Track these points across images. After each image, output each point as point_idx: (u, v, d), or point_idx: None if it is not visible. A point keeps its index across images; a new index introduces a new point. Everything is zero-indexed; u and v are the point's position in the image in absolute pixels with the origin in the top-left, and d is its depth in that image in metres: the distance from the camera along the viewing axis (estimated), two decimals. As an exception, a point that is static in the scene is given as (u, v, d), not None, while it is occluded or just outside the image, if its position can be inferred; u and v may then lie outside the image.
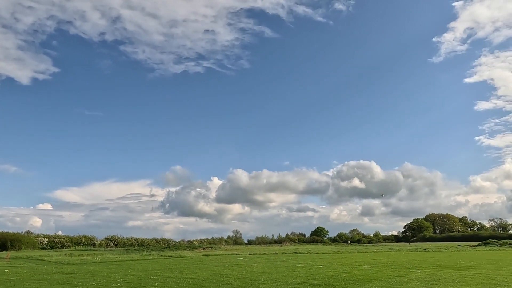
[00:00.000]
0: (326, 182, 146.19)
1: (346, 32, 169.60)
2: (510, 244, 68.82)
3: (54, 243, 62.68)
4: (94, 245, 66.38)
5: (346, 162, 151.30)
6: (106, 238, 70.59)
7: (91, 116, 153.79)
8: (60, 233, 69.72)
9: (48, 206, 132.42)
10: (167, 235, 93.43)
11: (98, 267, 22.96)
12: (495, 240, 75.30)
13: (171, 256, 35.89)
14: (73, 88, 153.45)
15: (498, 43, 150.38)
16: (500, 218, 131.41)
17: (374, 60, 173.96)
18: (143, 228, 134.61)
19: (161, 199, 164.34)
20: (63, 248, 60.69)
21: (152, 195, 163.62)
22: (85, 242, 66.47)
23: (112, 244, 68.99)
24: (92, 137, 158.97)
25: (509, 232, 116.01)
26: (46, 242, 61.80)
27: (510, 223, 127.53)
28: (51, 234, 66.60)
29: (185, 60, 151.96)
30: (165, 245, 69.86)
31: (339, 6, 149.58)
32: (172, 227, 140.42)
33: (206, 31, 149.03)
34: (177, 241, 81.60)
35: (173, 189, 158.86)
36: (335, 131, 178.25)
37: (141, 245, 70.62)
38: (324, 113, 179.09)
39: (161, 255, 36.43)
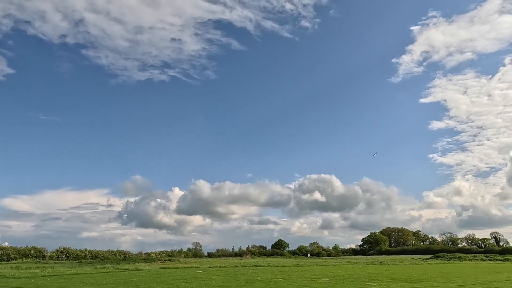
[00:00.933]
0: (288, 195, 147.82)
1: (311, 48, 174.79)
2: (459, 257, 72.47)
3: (-1, 255, 58.55)
4: (43, 257, 62.58)
5: (307, 176, 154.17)
6: (57, 250, 66.74)
7: (47, 121, 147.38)
8: (6, 244, 65.29)
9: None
10: (124, 247, 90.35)
11: (47, 281, 21.68)
12: (446, 254, 78.95)
13: (127, 269, 34.60)
14: (28, 91, 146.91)
15: (451, 67, 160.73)
16: (450, 233, 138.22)
17: (336, 77, 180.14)
18: (99, 239, 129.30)
19: (119, 209, 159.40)
20: (9, 260, 56.73)
21: (110, 205, 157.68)
22: (34, 254, 62.52)
23: (63, 256, 65.36)
24: (47, 142, 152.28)
25: (458, 246, 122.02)
26: (-11, 254, 57.61)
27: (459, 237, 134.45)
28: (-5, 245, 62.22)
29: (150, 67, 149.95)
30: (121, 257, 67.19)
31: (305, 23, 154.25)
32: (129, 238, 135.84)
33: (173, 39, 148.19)
34: (134, 254, 78.67)
35: (132, 199, 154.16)
36: (298, 144, 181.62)
37: (95, 257, 67.47)
38: (287, 127, 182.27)
39: (117, 268, 35.02)
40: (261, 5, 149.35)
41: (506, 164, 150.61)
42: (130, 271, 32.13)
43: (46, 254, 64.03)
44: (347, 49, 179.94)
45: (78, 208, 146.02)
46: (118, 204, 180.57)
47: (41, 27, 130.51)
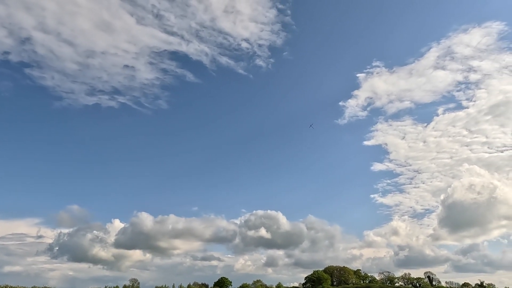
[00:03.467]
0: (234, 231, 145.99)
1: (264, 87, 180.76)
2: (396, 296, 74.66)
3: None
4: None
5: (254, 211, 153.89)
6: (-28, 286, 59.44)
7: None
8: None
9: None
10: (52, 283, 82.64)
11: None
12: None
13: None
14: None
15: (392, 113, 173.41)
16: (388, 272, 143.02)
17: (286, 116, 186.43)
18: (23, 274, 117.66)
19: (50, 241, 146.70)
20: None
21: (39, 236, 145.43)
22: None
23: (-21, 293, 58.19)
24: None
25: (395, 285, 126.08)
26: None
27: (396, 276, 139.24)
28: None
29: (99, 92, 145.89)
30: (48, 295, 61.10)
31: (259, 62, 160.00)
32: (59, 274, 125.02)
33: (126, 66, 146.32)
34: (63, 291, 72.06)
35: (65, 231, 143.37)
36: (246, 180, 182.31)
37: (17, 295, 60.79)
38: (236, 161, 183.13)
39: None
40: (218, 41, 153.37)
41: (438, 206, 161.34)
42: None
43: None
44: (297, 90, 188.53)
45: (3, 239, 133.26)
46: (50, 235, 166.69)
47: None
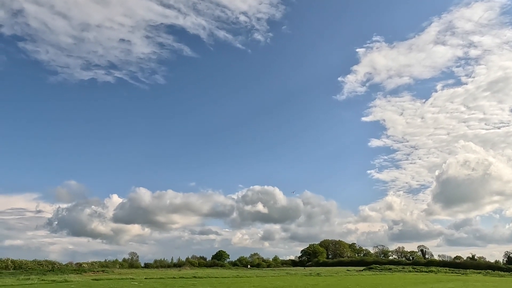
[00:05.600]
0: (231, 205, 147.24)
1: (263, 61, 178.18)
2: (389, 269, 76.71)
3: None
4: (-44, 267, 56.37)
5: (251, 187, 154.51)
6: (-27, 260, 60.53)
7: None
8: None
9: None
10: (53, 257, 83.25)
11: (-41, 294, 19.51)
12: (378, 266, 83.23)
13: (55, 280, 32.21)
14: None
15: (390, 89, 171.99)
16: (382, 245, 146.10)
17: (284, 91, 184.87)
18: (23, 248, 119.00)
19: (49, 216, 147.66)
20: None
21: (39, 211, 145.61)
22: None
23: (-19, 266, 59.33)
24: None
25: (389, 258, 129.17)
26: None
27: (390, 249, 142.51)
28: None
29: (95, 67, 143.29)
30: (49, 268, 62.41)
31: (258, 36, 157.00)
32: (59, 247, 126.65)
33: (122, 40, 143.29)
34: (63, 264, 73.44)
35: (64, 206, 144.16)
36: (243, 155, 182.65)
37: (18, 267, 62.02)
38: (233, 137, 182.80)
39: (43, 280, 32.46)
40: (216, 14, 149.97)
41: (433, 182, 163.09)
42: (57, 283, 29.95)
43: (-41, 264, 57.77)
44: (296, 65, 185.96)
45: (2, 213, 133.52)
46: (49, 210, 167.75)
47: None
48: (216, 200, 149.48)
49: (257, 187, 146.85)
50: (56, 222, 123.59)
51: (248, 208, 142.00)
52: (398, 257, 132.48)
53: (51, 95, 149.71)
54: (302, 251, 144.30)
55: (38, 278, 33.97)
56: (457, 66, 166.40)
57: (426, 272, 72.09)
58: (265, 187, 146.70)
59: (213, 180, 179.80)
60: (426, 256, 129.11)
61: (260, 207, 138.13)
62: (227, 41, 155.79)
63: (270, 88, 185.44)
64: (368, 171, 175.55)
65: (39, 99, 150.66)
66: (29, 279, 33.29)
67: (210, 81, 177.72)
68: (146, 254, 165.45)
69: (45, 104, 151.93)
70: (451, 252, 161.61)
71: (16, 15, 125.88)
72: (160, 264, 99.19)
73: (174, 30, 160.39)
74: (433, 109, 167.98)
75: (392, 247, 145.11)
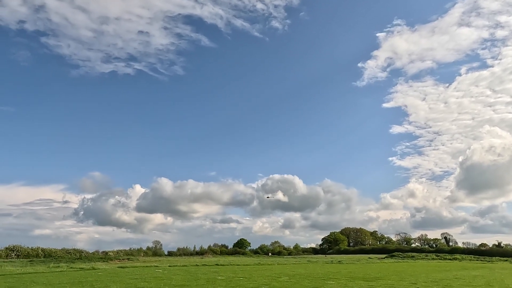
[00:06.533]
0: (251, 194, 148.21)
1: (281, 49, 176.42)
2: (412, 256, 75.88)
3: None
4: (-9, 255, 59.10)
5: (271, 176, 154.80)
6: (6, 248, 63.28)
7: (0, 111, 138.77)
8: (-50, 241, 61.02)
9: None
10: (80, 245, 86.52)
11: (-6, 281, 20.46)
12: (400, 253, 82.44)
13: (83, 268, 33.33)
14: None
15: (412, 74, 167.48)
16: (404, 233, 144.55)
17: (303, 79, 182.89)
18: (52, 237, 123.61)
19: (75, 206, 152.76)
20: (-49, 259, 53.06)
21: (65, 202, 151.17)
22: (-19, 253, 58.93)
23: (13, 255, 62.02)
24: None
25: (411, 245, 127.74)
26: None
27: (412, 237, 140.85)
28: None
29: (115, 59, 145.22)
30: (77, 256, 64.62)
31: (275, 23, 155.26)
32: (85, 236, 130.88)
33: (140, 32, 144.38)
34: (90, 252, 76.01)
35: (89, 196, 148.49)
36: (262, 144, 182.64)
37: (48, 256, 64.50)
38: (252, 126, 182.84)
39: (71, 267, 33.64)
40: (232, 3, 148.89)
41: (457, 168, 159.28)
42: (85, 270, 30.97)
43: (-6, 252, 60.51)
44: (315, 52, 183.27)
45: (31, 204, 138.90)
46: (75, 200, 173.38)
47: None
48: (236, 189, 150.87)
49: (276, 176, 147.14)
50: (82, 212, 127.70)
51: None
52: (421, 245, 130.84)
53: (74, 88, 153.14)
54: (323, 239, 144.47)
55: (67, 266, 35.24)
56: (483, 48, 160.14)
57: (450, 259, 70.97)
58: (285, 175, 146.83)
59: (233, 169, 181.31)
60: (450, 244, 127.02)
61: (280, 195, 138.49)
62: (244, 30, 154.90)
63: (288, 76, 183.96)
64: (390, 158, 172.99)
65: (63, 93, 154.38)
66: (58, 266, 34.59)
67: (228, 71, 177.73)
68: (169, 242, 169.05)
69: (68, 97, 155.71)
70: (476, 240, 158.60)
71: (38, 11, 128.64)
72: (183, 252, 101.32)
73: (192, 20, 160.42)
74: (457, 93, 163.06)
75: (415, 234, 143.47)
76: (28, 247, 66.23)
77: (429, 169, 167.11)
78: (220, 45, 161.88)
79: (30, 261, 50.12)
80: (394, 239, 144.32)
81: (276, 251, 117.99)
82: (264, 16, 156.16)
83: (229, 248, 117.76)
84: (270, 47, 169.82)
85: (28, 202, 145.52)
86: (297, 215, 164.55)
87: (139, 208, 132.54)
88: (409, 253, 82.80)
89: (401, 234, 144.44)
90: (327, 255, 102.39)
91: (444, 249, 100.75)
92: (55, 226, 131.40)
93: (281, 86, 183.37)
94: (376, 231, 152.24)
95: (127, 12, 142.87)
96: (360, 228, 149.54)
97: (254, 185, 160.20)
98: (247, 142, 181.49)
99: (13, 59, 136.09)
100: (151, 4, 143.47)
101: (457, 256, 76.57)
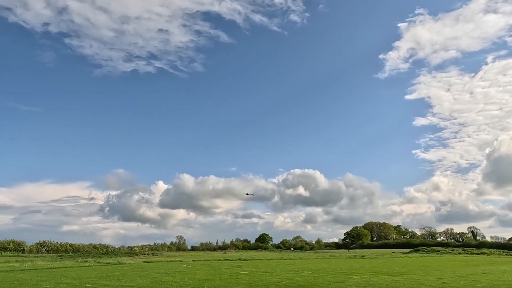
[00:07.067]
0: (272, 189, 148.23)
1: (299, 43, 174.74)
2: (437, 251, 74.31)
3: (-24, 248, 57.15)
4: (23, 251, 61.37)
5: (291, 170, 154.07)
6: (37, 244, 65.56)
7: (28, 111, 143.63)
8: (-16, 237, 63.66)
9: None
10: (106, 241, 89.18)
11: (27, 275, 21.26)
12: (425, 247, 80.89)
13: (109, 263, 34.23)
14: (9, 80, 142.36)
15: (436, 64, 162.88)
16: (429, 227, 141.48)
17: (323, 72, 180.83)
18: (80, 233, 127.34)
19: (101, 202, 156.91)
20: (-14, 254, 55.47)
21: (91, 198, 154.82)
22: (13, 248, 61.29)
23: (44, 250, 64.24)
24: (27, 134, 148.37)
25: (437, 240, 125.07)
26: (-33, 248, 56.16)
27: (438, 231, 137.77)
28: (-27, 239, 60.72)
29: (136, 58, 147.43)
30: (103, 251, 66.45)
31: (294, 17, 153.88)
32: (111, 232, 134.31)
33: (160, 30, 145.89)
34: (116, 247, 77.96)
35: (114, 193, 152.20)
36: (282, 139, 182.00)
37: (76, 251, 66.55)
38: (272, 121, 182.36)
39: (98, 262, 34.60)
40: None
41: (484, 160, 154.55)
42: (112, 265, 31.80)
43: (25, 248, 62.86)
44: (335, 44, 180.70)
45: (59, 201, 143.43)
46: (100, 197, 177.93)
47: (23, 14, 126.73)
48: (257, 184, 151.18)
49: (297, 171, 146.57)
50: (107, 209, 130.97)
51: (289, 191, 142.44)
52: (447, 239, 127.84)
53: (97, 87, 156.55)
54: (345, 233, 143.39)
55: (95, 261, 36.29)
56: (511, 35, 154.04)
57: (477, 254, 69.12)
58: (306, 170, 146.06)
59: (253, 164, 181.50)
60: (477, 238, 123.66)
61: (301, 190, 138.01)
62: (263, 25, 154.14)
63: (308, 69, 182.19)
64: (413, 151, 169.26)
65: (87, 92, 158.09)
66: (86, 261, 35.66)
67: (247, 66, 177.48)
68: (192, 237, 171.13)
69: (92, 96, 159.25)
70: (506, 234, 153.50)
71: (61, 13, 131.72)
72: (206, 247, 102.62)
73: (210, 17, 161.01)
74: (483, 83, 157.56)
75: (440, 228, 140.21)
76: (57, 243, 68.43)
77: (455, 162, 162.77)
78: (238, 40, 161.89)
79: (59, 256, 51.89)
80: (418, 233, 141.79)
81: (298, 245, 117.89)
82: (282, 10, 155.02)
83: (251, 243, 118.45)
84: (289, 41, 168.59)
85: (56, 199, 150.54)
86: (318, 209, 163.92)
87: (162, 204, 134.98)
88: (435, 248, 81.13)
89: (425, 228, 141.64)
90: (350, 250, 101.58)
91: (471, 244, 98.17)
92: (82, 222, 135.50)
93: (300, 80, 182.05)
94: (400, 226, 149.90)
95: (147, 11, 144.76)
96: (384, 222, 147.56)
97: (275, 180, 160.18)
98: (267, 137, 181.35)
99: (39, 60, 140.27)
100: (170, 2, 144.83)
101: (485, 250, 74.49)
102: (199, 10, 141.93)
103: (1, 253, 56.24)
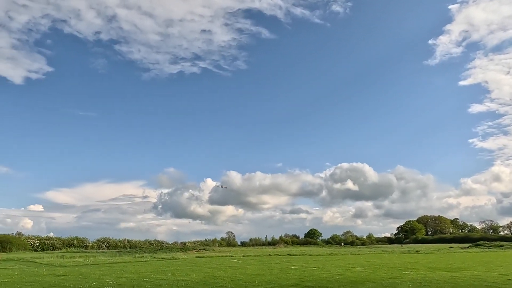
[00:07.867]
0: (319, 184, 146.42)
1: (343, 34, 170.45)
2: (501, 246, 69.50)
3: (45, 245, 62.01)
4: (86, 247, 65.79)
5: (339, 165, 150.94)
6: (98, 240, 70.03)
7: (85, 116, 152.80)
8: (51, 234, 69.03)
9: (39, 207, 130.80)
10: (160, 237, 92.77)
11: (90, 269, 22.78)
12: (486, 242, 76.00)
13: (164, 258, 35.72)
14: (66, 88, 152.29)
15: (493, 46, 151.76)
16: (491, 220, 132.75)
17: (369, 62, 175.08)
18: (136, 229, 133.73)
19: (154, 200, 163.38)
20: (54, 250, 60.05)
21: (145, 197, 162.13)
22: (77, 244, 65.88)
23: (104, 246, 68.44)
24: (85, 137, 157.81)
25: (499, 234, 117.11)
26: (37, 244, 61.13)
27: (500, 225, 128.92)
28: (42, 236, 65.99)
29: (181, 60, 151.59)
30: (158, 247, 69.49)
31: (336, 8, 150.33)
32: (165, 228, 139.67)
33: (203, 31, 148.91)
34: (170, 243, 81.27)
35: (166, 191, 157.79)
36: (329, 133, 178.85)
37: (133, 247, 70.17)
38: (318, 115, 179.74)
39: (154, 257, 36.24)
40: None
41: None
42: (167, 260, 33.17)
43: (88, 244, 67.29)
44: (380, 33, 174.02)
45: (116, 200, 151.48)
46: (153, 195, 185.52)
47: (76, 25, 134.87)
48: (304, 179, 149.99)
49: (345, 165, 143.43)
50: (160, 206, 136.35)
51: (337, 186, 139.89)
52: (511, 233, 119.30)
53: (146, 90, 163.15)
54: (398, 228, 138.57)
55: (151, 256, 38.07)
56: None
57: (547, 249, 63.85)
58: (354, 164, 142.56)
59: (299, 160, 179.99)
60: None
61: (350, 184, 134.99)
62: (304, 18, 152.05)
63: (353, 61, 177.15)
64: (470, 140, 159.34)
65: (137, 95, 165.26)
66: (143, 256, 37.50)
67: (290, 61, 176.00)
68: (241, 233, 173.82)
69: (142, 99, 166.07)
70: None
71: (111, 21, 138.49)
72: (255, 242, 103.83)
73: (251, 14, 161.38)
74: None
75: (503, 222, 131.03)
76: (116, 239, 72.57)
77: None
78: (280, 36, 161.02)
79: (118, 251, 54.98)
80: (478, 227, 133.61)
81: (348, 241, 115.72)
82: (323, 2, 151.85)
83: (300, 238, 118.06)
84: (332, 32, 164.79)
85: (114, 198, 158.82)
86: (368, 204, 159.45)
87: (211, 201, 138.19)
88: (497, 242, 75.97)
89: (486, 222, 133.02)
90: (403, 245, 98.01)
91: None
92: (138, 219, 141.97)
93: (346, 71, 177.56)
94: (457, 219, 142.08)
95: (190, 12, 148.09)
96: (439, 216, 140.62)
97: (322, 175, 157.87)
98: (312, 132, 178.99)
99: (92, 68, 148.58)
100: (211, 3, 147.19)
101: (556, 245, 68.58)
102: (240, 8, 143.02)
103: (67, 249, 60.63)
